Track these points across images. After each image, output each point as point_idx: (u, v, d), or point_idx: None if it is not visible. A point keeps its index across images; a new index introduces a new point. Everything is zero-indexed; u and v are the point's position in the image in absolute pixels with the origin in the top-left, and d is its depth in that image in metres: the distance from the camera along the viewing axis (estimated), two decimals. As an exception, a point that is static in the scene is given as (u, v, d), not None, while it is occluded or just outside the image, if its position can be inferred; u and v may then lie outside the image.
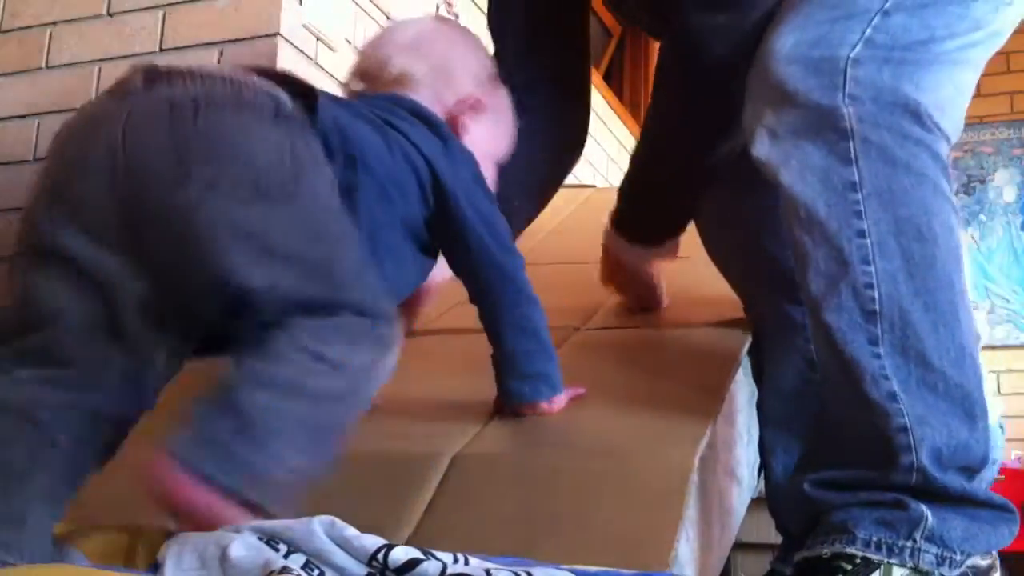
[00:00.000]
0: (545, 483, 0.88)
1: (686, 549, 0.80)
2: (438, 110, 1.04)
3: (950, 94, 0.93)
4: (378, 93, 1.05)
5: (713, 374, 1.06)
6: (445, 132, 1.01)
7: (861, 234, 0.89)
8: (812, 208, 0.90)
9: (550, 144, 1.25)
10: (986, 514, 0.89)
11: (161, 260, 0.77)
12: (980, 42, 0.96)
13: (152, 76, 0.82)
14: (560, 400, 1.02)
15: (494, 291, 1.00)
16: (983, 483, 0.91)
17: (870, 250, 0.89)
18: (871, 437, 0.89)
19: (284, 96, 0.86)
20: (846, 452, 0.93)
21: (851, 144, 0.90)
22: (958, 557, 0.87)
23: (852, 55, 0.91)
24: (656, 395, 1.03)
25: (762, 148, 0.93)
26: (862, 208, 0.89)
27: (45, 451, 0.74)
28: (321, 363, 0.74)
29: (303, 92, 0.88)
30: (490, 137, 1.09)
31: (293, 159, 0.81)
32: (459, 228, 0.98)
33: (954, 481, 0.88)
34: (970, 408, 0.89)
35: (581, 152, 1.35)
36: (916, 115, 0.90)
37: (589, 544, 0.80)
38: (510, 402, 1.01)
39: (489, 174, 1.07)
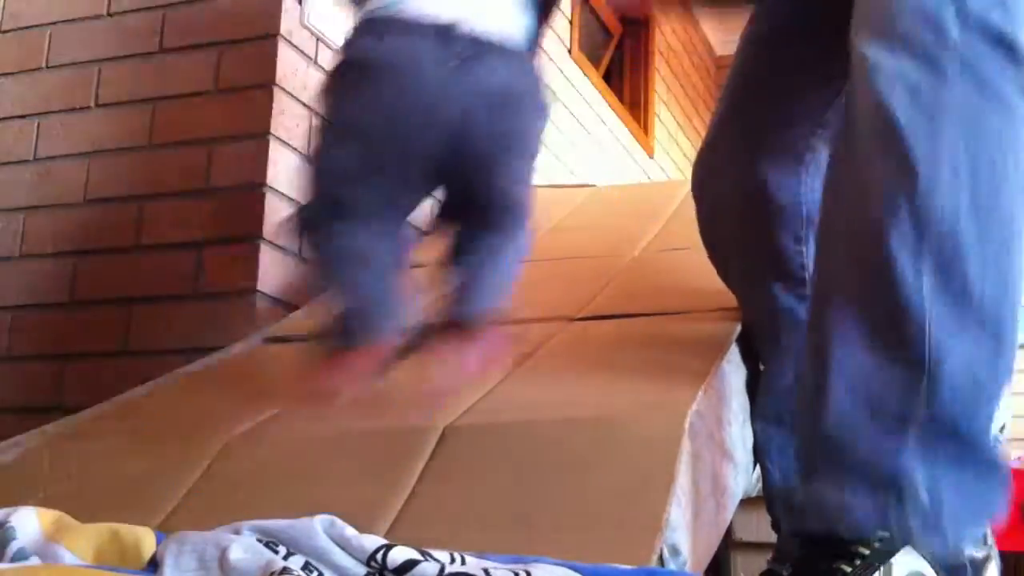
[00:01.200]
0: (536, 452, 0.88)
1: (678, 514, 0.80)
2: None
3: None
4: None
5: (702, 352, 1.08)
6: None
7: (937, 157, 0.87)
8: (892, 118, 0.88)
9: None
10: (982, 478, 0.87)
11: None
12: None
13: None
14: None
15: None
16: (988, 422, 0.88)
17: (942, 172, 0.87)
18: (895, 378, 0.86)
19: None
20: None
21: (948, 67, 0.88)
22: (951, 536, 0.85)
23: None
24: (646, 372, 1.04)
25: (862, 44, 0.91)
26: (943, 129, 0.88)
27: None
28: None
29: None
30: None
31: None
32: None
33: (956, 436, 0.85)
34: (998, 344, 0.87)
35: None
36: (1013, 52, 0.89)
37: (583, 510, 0.80)
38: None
39: None
